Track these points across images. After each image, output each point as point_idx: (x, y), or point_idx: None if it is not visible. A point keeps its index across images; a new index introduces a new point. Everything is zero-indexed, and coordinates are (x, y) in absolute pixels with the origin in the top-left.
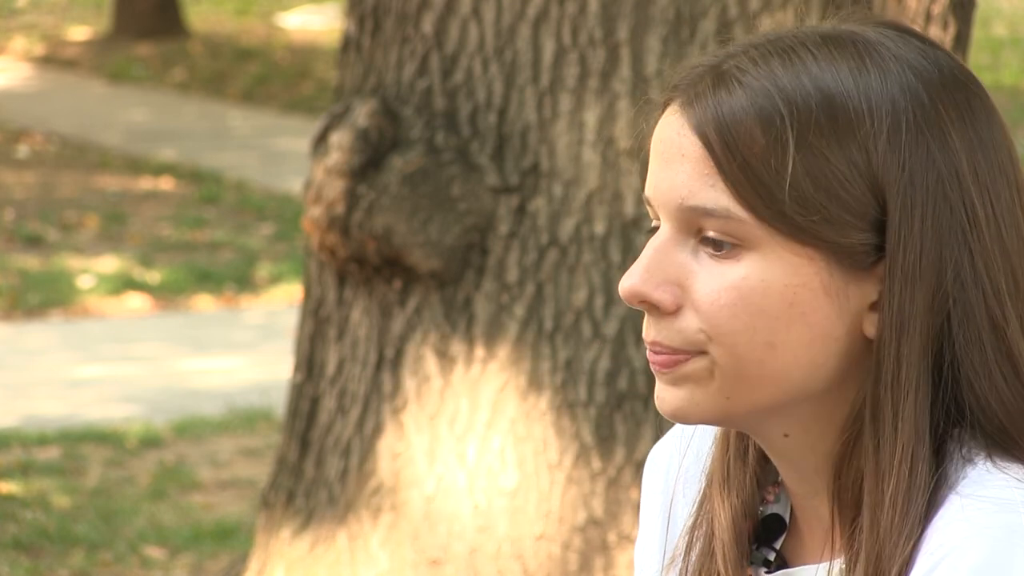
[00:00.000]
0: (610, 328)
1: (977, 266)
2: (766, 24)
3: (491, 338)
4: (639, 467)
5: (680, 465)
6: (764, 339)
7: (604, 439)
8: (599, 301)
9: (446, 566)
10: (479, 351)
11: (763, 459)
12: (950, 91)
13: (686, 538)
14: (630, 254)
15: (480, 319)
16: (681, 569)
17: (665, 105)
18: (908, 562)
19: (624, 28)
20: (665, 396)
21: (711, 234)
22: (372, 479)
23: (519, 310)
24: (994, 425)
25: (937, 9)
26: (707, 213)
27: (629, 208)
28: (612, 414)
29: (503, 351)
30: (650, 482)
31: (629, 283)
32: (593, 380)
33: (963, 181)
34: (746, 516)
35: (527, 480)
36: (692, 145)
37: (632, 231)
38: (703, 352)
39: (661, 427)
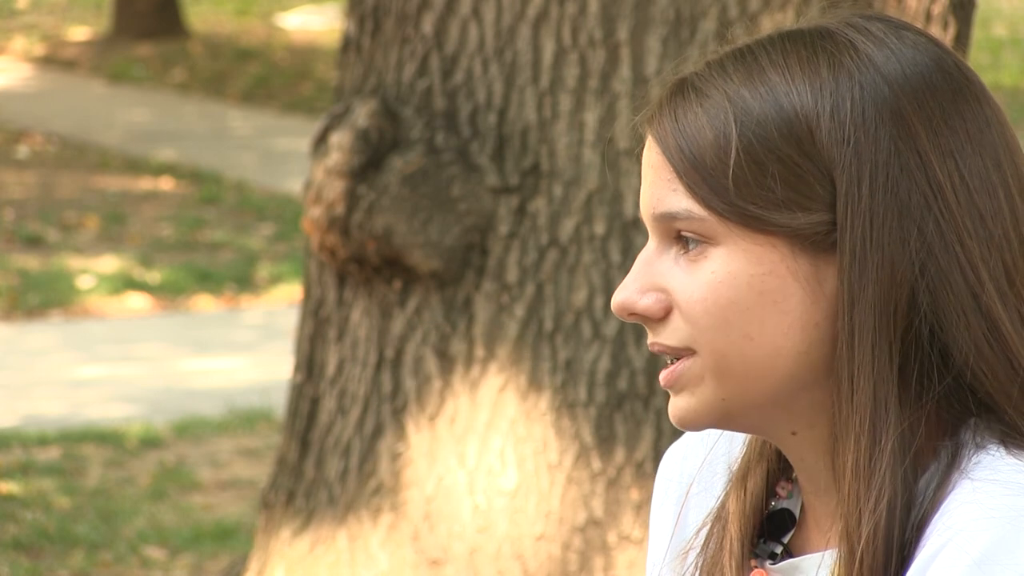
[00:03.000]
0: (610, 328)
1: (947, 235)
2: (766, 24)
3: (491, 338)
4: (639, 467)
5: (703, 460)
6: (741, 331)
7: (604, 439)
8: (599, 301)
9: (446, 566)
10: (479, 351)
11: (778, 455)
12: (906, 71)
13: (706, 528)
14: (630, 254)
15: (480, 319)
16: (697, 557)
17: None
18: (910, 543)
19: (624, 28)
20: (671, 407)
21: (682, 231)
22: (372, 479)
23: (519, 310)
24: (984, 390)
25: (937, 9)
26: (673, 216)
27: (629, 208)
28: (612, 414)
29: (503, 351)
30: (662, 485)
31: (619, 297)
32: (593, 380)
33: (923, 153)
34: (755, 509)
35: (527, 480)
36: (656, 155)
37: (632, 231)
38: (692, 352)
39: (661, 427)
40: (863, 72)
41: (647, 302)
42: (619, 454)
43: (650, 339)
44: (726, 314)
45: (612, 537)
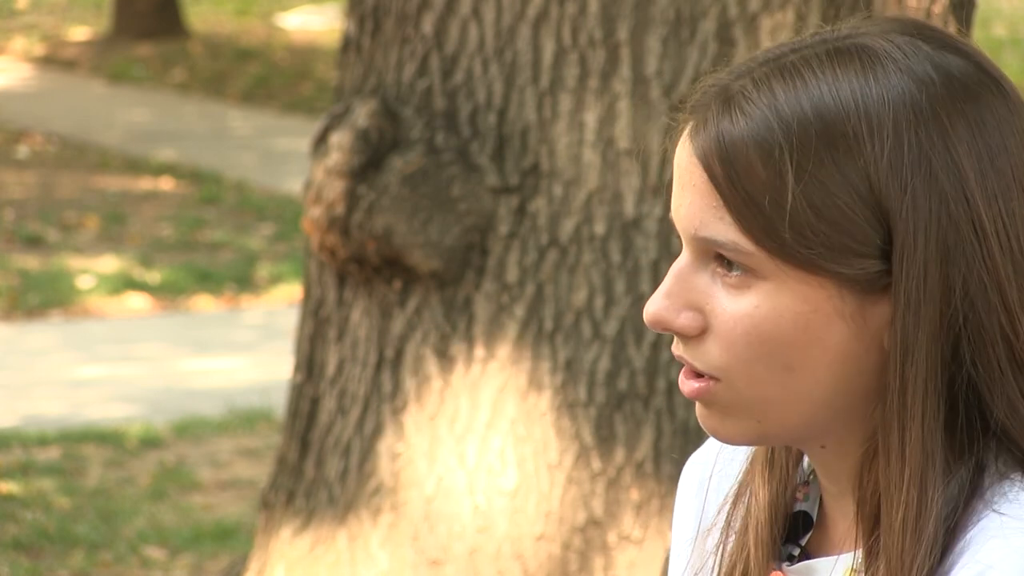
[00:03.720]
0: (610, 328)
1: (987, 281)
2: (766, 25)
3: (491, 338)
4: (639, 467)
5: (717, 452)
6: (782, 363)
7: (604, 439)
8: (599, 301)
9: (446, 566)
10: (479, 351)
11: (801, 452)
12: (958, 102)
13: (727, 508)
14: (630, 254)
15: (480, 319)
16: (720, 539)
17: (683, 125)
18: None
19: (624, 28)
20: (702, 417)
21: (724, 254)
22: (372, 479)
23: (519, 310)
24: (1014, 441)
25: (937, 9)
26: (718, 245)
27: (629, 208)
28: (612, 414)
29: (503, 351)
30: (685, 490)
31: (653, 310)
32: (593, 380)
33: (970, 198)
34: (783, 505)
35: (527, 480)
36: (699, 176)
37: (632, 231)
38: (718, 380)
39: (661, 427)
40: (918, 110)
41: (684, 321)
42: (619, 454)
43: (677, 349)
44: (768, 348)
45: (612, 537)
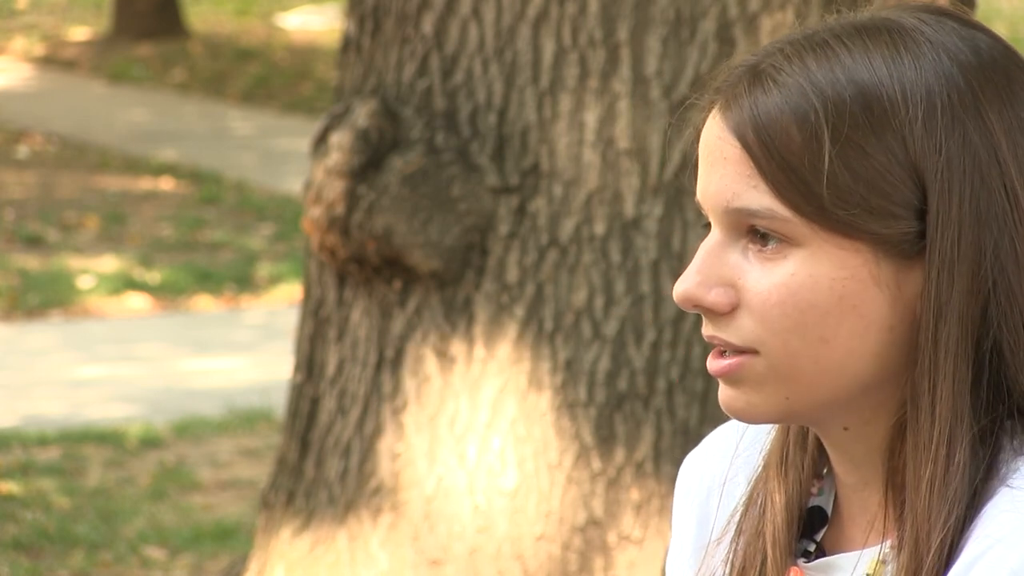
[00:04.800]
0: (610, 328)
1: (1018, 248)
2: (766, 25)
3: (491, 338)
4: (639, 467)
5: (730, 459)
6: (817, 334)
7: (604, 439)
8: (599, 301)
9: (446, 566)
10: (479, 351)
11: (817, 447)
12: (988, 73)
13: (739, 515)
14: (630, 254)
15: (480, 319)
16: (730, 547)
17: (709, 109)
18: (951, 547)
19: (624, 28)
20: (726, 398)
21: (759, 227)
22: (372, 479)
23: (519, 310)
24: None
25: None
26: (752, 214)
27: (629, 208)
28: (612, 414)
29: (503, 351)
30: (684, 489)
31: (683, 287)
32: (593, 380)
33: (1003, 163)
34: (799, 504)
35: (527, 480)
36: (732, 147)
37: (632, 231)
38: (756, 352)
39: (661, 427)
40: (948, 76)
41: (715, 297)
42: (619, 454)
43: (707, 330)
44: (804, 317)
45: (612, 537)
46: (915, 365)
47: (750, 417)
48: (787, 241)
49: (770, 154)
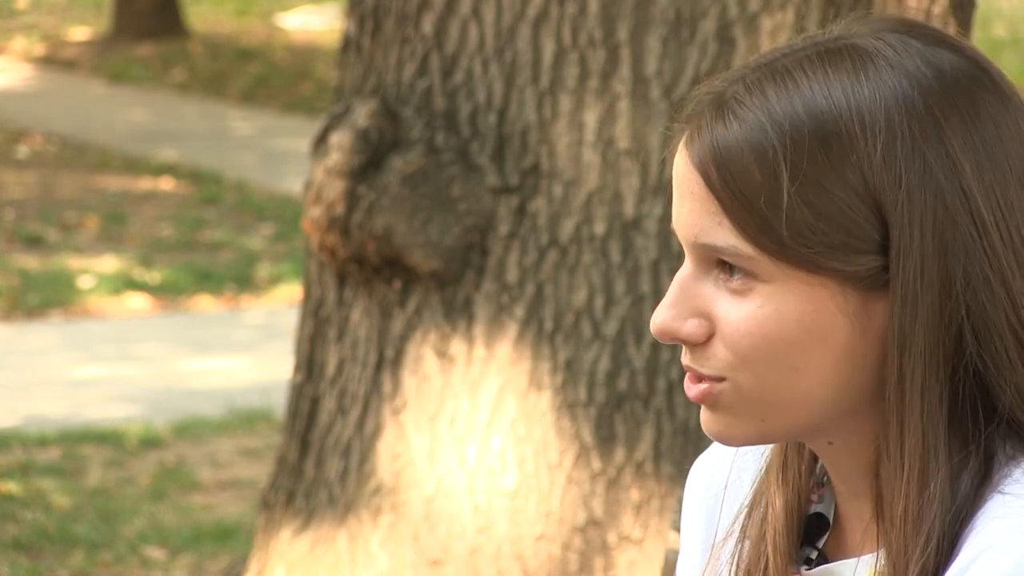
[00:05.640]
0: (610, 328)
1: (990, 274)
2: (766, 25)
3: (491, 338)
4: (639, 467)
5: (732, 461)
6: (787, 364)
7: (604, 439)
8: (599, 301)
9: (446, 566)
10: (479, 351)
11: (812, 457)
12: (951, 98)
13: (743, 516)
14: (630, 254)
15: (480, 319)
16: (736, 546)
17: (679, 135)
18: (936, 567)
19: (624, 28)
20: (705, 421)
21: (725, 259)
22: (372, 479)
23: (519, 310)
24: None
25: (937, 10)
26: (717, 250)
27: (629, 208)
28: (612, 414)
29: (503, 351)
30: (692, 492)
31: (659, 321)
32: (593, 380)
33: (967, 190)
34: (799, 510)
35: (527, 480)
36: (696, 182)
37: (632, 231)
38: (723, 379)
39: (661, 427)
40: (910, 105)
41: (690, 328)
42: (619, 454)
43: (685, 360)
44: (773, 348)
45: (612, 537)
46: (883, 399)
47: (728, 439)
48: (753, 276)
49: (731, 192)
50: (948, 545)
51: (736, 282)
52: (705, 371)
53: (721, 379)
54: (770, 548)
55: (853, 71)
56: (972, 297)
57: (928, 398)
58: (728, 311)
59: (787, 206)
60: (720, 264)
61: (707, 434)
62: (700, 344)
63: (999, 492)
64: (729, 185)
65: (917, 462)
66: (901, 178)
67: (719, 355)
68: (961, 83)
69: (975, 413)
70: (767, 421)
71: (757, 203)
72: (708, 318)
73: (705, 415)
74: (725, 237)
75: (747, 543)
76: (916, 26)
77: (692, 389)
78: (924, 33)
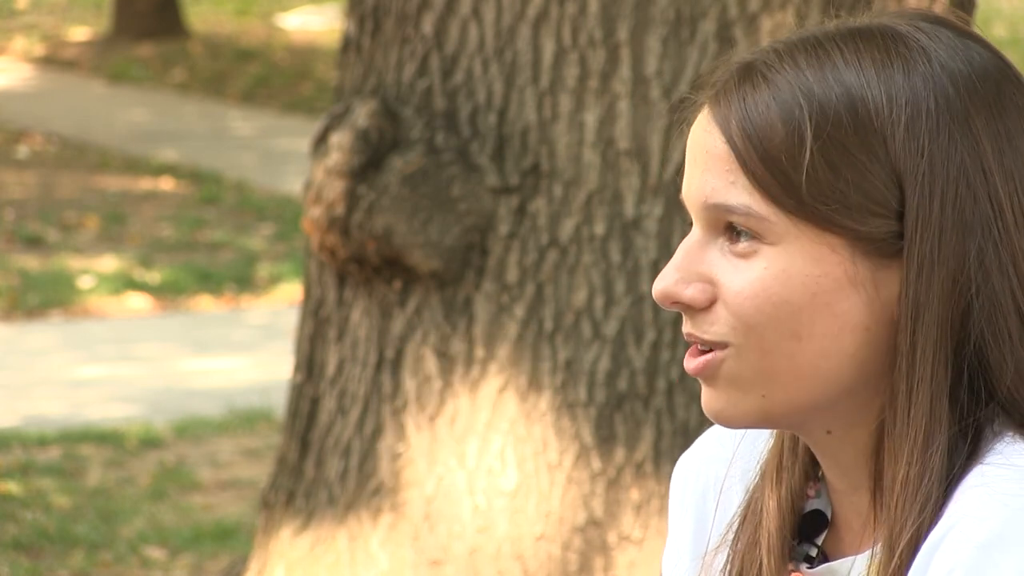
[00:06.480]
0: (610, 328)
1: (1003, 256)
2: (766, 25)
3: (491, 338)
4: (639, 467)
5: (729, 462)
6: (790, 330)
7: (604, 439)
8: (599, 301)
9: (446, 566)
10: (479, 351)
11: (810, 453)
12: (978, 84)
13: (736, 524)
14: (630, 254)
15: (480, 319)
16: (728, 555)
17: (701, 106)
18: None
19: (624, 28)
20: (706, 399)
21: (735, 224)
22: (372, 480)
23: (519, 310)
24: (1019, 410)
25: (937, 10)
26: (729, 210)
27: (629, 208)
28: (612, 414)
29: (503, 351)
30: (678, 490)
31: (662, 284)
32: (593, 380)
33: (988, 171)
34: (792, 509)
35: (527, 480)
36: (716, 141)
37: (632, 231)
38: (725, 346)
39: (661, 427)
40: (937, 83)
41: (692, 292)
42: (619, 454)
43: (686, 327)
44: (777, 312)
45: (612, 537)
46: (893, 367)
47: (729, 417)
48: (760, 238)
49: (752, 146)
50: (934, 513)
51: (742, 245)
52: (707, 336)
53: (723, 346)
54: (764, 550)
55: (884, 48)
56: (983, 275)
57: (937, 369)
58: (732, 274)
59: (808, 163)
60: (728, 230)
61: (708, 415)
62: (702, 309)
63: (979, 463)
64: (751, 139)
65: (923, 429)
66: (924, 149)
67: (721, 319)
68: (989, 72)
69: (973, 389)
70: (768, 397)
71: (777, 156)
72: (711, 282)
73: (706, 393)
74: (738, 196)
75: (739, 549)
76: (947, 19)
77: (692, 363)
78: (954, 25)
